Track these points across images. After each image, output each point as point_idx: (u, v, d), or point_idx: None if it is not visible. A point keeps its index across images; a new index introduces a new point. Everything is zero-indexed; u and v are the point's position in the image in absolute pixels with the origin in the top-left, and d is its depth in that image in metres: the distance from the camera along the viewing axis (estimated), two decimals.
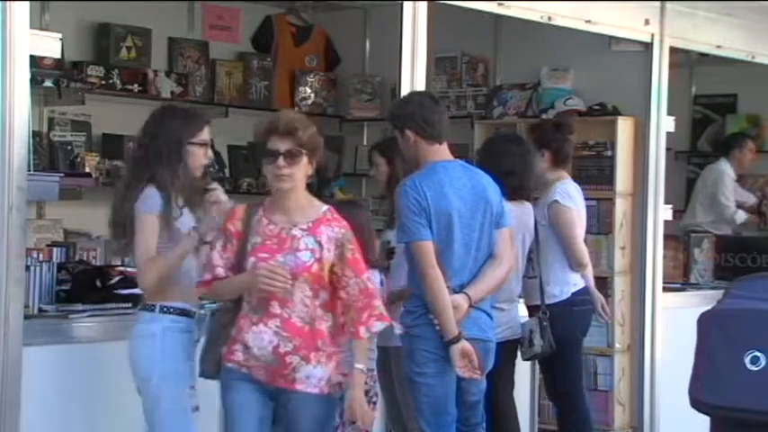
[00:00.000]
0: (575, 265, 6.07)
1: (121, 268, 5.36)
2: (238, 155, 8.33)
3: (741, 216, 8.70)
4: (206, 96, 8.07)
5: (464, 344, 4.93)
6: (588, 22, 6.82)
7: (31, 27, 4.53)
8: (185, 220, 4.65)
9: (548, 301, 6.00)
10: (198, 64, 8.06)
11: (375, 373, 5.34)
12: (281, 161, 4.38)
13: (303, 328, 4.36)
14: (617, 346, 7.28)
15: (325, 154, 8.83)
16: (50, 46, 4.72)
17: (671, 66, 7.39)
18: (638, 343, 7.28)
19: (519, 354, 5.99)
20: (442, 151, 5.15)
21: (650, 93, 7.28)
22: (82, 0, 7.23)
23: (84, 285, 5.14)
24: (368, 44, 8.73)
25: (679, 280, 7.85)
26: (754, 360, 4.07)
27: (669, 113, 7.40)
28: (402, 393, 5.43)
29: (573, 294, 6.09)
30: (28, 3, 4.49)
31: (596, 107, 7.53)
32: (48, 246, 5.62)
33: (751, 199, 8.89)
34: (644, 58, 7.32)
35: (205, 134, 4.98)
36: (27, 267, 4.70)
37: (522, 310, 6.10)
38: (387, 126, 5.85)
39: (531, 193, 6.01)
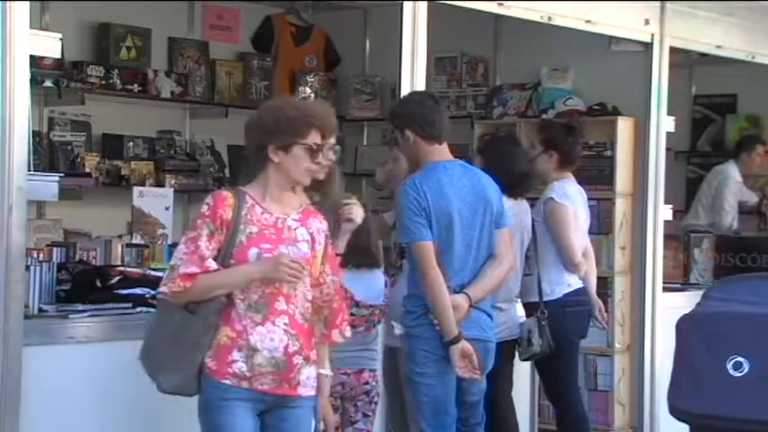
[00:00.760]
0: (568, 264, 6.06)
1: (121, 268, 5.36)
2: (238, 155, 8.32)
3: (735, 225, 8.73)
4: (206, 96, 8.07)
5: (464, 344, 4.93)
6: (588, 22, 6.82)
7: (31, 27, 4.52)
8: None
9: (537, 299, 5.99)
10: (198, 64, 8.06)
11: (377, 373, 5.35)
12: (328, 155, 4.27)
13: (303, 325, 4.19)
14: (617, 346, 7.28)
15: None
16: (50, 46, 4.71)
17: (671, 66, 7.39)
18: (638, 343, 7.28)
19: (517, 354, 5.99)
20: (442, 151, 5.15)
21: (650, 93, 7.28)
22: (82, 0, 7.23)
23: (84, 285, 5.13)
24: (368, 44, 8.73)
25: (679, 280, 7.85)
26: (737, 366, 3.95)
27: (669, 113, 7.40)
28: (409, 394, 5.42)
29: (565, 295, 6.06)
30: (28, 3, 4.48)
31: (596, 107, 7.53)
32: (48, 246, 5.61)
33: (753, 198, 8.90)
34: (644, 58, 7.32)
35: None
36: (27, 267, 4.69)
37: (521, 310, 6.10)
38: (387, 126, 5.85)
39: (530, 191, 6.05)
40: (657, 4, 7.23)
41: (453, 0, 6.12)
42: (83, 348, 4.82)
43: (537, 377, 6.51)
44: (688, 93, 9.44)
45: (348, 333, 4.36)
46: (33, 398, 4.54)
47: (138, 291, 5.14)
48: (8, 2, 4.41)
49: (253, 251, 4.12)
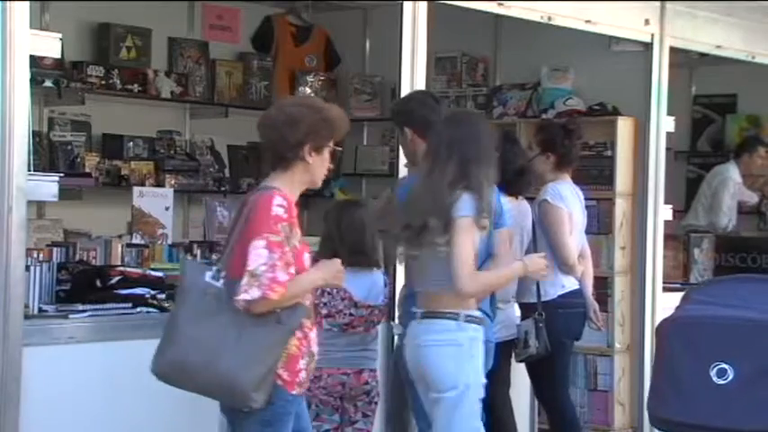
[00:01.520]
0: (561, 265, 6.04)
1: (121, 268, 5.36)
2: (238, 155, 8.33)
3: (731, 227, 8.73)
4: (206, 96, 8.07)
5: None
6: (588, 22, 6.82)
7: (31, 27, 4.53)
8: None
9: (534, 300, 5.98)
10: (198, 64, 8.06)
11: (377, 373, 5.35)
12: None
13: None
14: (617, 346, 7.27)
15: None
16: (50, 46, 4.71)
17: (671, 66, 7.39)
18: (638, 343, 7.27)
19: (513, 354, 5.99)
20: None
21: (650, 93, 7.28)
22: (82, 0, 7.23)
23: (84, 285, 5.14)
24: (368, 44, 8.73)
25: (679, 280, 7.84)
26: (721, 373, 3.80)
27: (669, 113, 7.39)
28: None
29: (559, 296, 6.05)
30: (28, 3, 4.48)
31: (596, 107, 7.53)
32: (48, 246, 5.62)
33: (753, 198, 8.90)
34: (644, 58, 7.31)
35: None
36: (27, 267, 4.70)
37: (518, 310, 6.09)
38: (387, 126, 5.86)
39: (528, 189, 6.06)
40: (657, 4, 7.23)
41: (453, 0, 6.12)
42: (83, 348, 4.82)
43: None
44: (688, 93, 9.43)
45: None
46: (33, 398, 4.54)
47: (137, 291, 5.14)
48: (8, 2, 4.41)
49: (306, 256, 4.10)
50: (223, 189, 7.97)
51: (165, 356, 3.97)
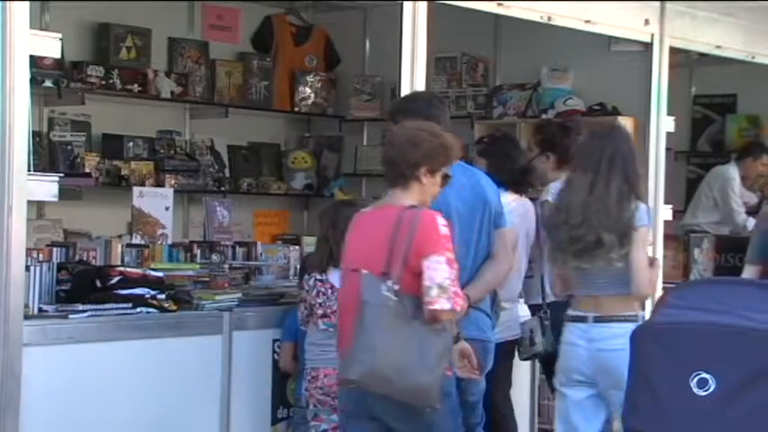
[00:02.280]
0: None
1: (121, 268, 5.36)
2: (238, 155, 8.33)
3: (751, 223, 8.70)
4: (206, 96, 8.08)
5: (463, 344, 4.91)
6: (588, 22, 6.82)
7: (31, 27, 4.52)
8: None
9: (539, 301, 5.98)
10: (198, 64, 8.06)
11: None
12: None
13: None
14: None
15: (325, 154, 8.93)
16: (50, 46, 4.70)
17: (671, 66, 7.38)
18: None
19: (517, 353, 5.99)
20: None
21: (650, 93, 7.27)
22: (82, 0, 7.24)
23: (84, 285, 5.13)
24: (368, 44, 8.73)
25: (679, 280, 7.83)
26: (702, 383, 3.56)
27: (669, 113, 7.39)
28: None
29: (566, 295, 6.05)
30: (28, 3, 4.48)
31: (596, 107, 7.53)
32: (48, 246, 5.62)
33: (753, 199, 8.89)
34: (644, 58, 7.31)
35: None
36: (27, 267, 4.70)
37: (524, 310, 6.09)
38: (387, 126, 5.84)
39: (534, 186, 6.08)
40: (657, 4, 7.23)
41: (453, 0, 6.12)
42: (83, 348, 4.82)
43: (537, 377, 6.51)
44: (688, 93, 9.43)
45: None
46: (33, 398, 4.55)
47: (137, 291, 5.14)
48: (8, 2, 4.41)
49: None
50: (223, 189, 7.97)
51: (363, 365, 4.20)
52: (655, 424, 3.63)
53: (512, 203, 5.64)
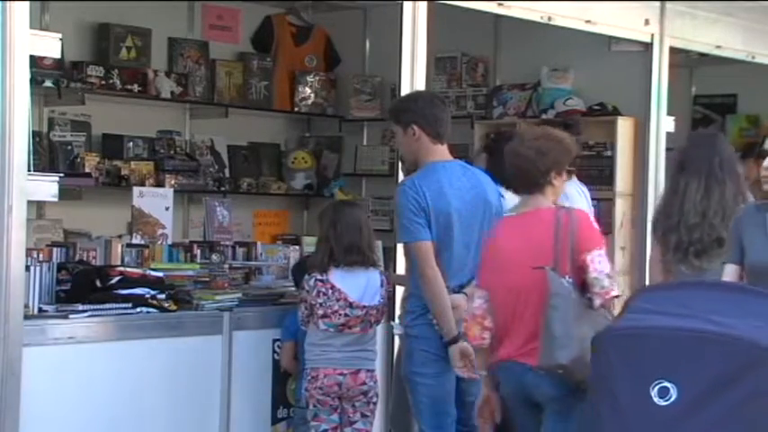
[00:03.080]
0: None
1: (121, 268, 5.36)
2: (238, 155, 8.33)
3: None
4: (206, 96, 8.07)
5: (463, 344, 4.92)
6: (588, 22, 6.82)
7: (31, 27, 4.53)
8: None
9: None
10: (198, 64, 8.06)
11: (375, 373, 5.35)
12: None
13: None
14: None
15: (325, 154, 8.93)
16: (50, 46, 4.71)
17: (671, 66, 7.39)
18: None
19: None
20: (442, 152, 5.15)
21: (650, 93, 7.28)
22: (82, 0, 7.23)
23: (84, 285, 5.14)
24: (368, 44, 8.73)
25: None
26: (663, 392, 3.41)
27: (669, 113, 7.40)
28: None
29: None
30: (28, 3, 4.49)
31: (596, 107, 7.53)
32: (48, 246, 5.62)
33: (752, 199, 8.88)
34: (644, 58, 7.32)
35: None
36: (27, 267, 4.70)
37: None
38: (387, 126, 5.85)
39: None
40: (657, 4, 7.23)
41: (453, 0, 6.12)
42: (83, 348, 4.83)
43: None
44: (688, 93, 9.43)
45: None
46: (33, 398, 4.55)
47: (137, 291, 5.14)
48: (8, 2, 4.41)
49: None
50: (223, 189, 7.97)
51: (570, 351, 4.25)
52: None
53: (512, 202, 5.63)
